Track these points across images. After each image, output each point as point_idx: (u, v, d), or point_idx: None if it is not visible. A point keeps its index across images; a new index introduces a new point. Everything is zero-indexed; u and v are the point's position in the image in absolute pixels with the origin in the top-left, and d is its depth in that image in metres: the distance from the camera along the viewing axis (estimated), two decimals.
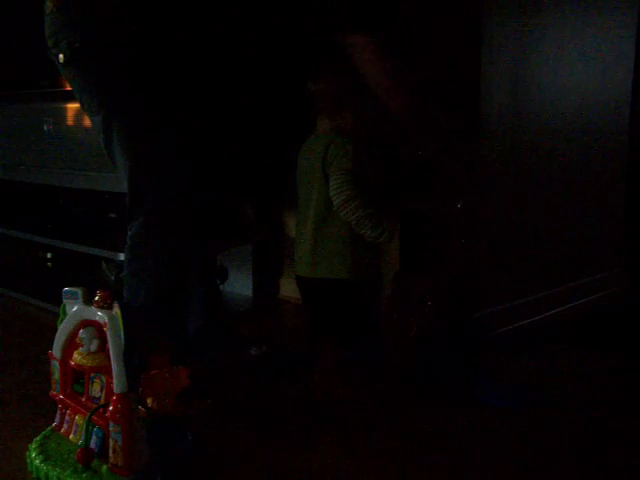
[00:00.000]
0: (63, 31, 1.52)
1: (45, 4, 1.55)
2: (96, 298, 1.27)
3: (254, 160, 2.57)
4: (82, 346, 1.29)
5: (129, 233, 1.61)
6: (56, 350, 1.35)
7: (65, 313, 1.34)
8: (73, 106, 2.30)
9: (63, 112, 2.35)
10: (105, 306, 1.25)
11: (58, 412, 1.37)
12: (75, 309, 1.31)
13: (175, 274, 1.62)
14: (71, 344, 1.33)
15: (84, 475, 1.22)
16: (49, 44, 1.57)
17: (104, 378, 1.26)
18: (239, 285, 2.66)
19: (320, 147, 1.76)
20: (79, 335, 1.30)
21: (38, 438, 1.35)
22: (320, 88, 1.78)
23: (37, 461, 1.27)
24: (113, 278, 2.68)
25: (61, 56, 1.55)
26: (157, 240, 1.58)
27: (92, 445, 1.25)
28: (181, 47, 1.52)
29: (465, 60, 2.02)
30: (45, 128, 2.45)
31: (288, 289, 2.67)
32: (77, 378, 1.34)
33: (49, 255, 3.07)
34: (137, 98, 1.53)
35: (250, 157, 2.52)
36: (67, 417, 1.35)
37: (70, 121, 2.34)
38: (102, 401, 1.26)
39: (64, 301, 1.34)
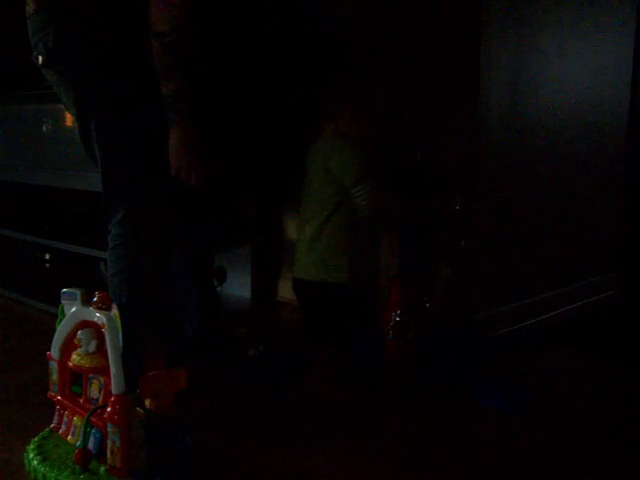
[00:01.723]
0: (40, 32, 1.53)
1: (26, 7, 1.56)
2: (94, 299, 1.27)
3: (254, 161, 2.57)
4: (80, 347, 1.29)
5: (109, 236, 1.61)
6: (54, 351, 1.35)
7: (63, 314, 1.34)
8: None
9: (62, 113, 2.34)
10: (103, 307, 1.26)
11: (56, 413, 1.37)
12: (73, 310, 1.31)
13: (155, 272, 1.62)
14: (69, 345, 1.32)
15: (82, 476, 1.22)
16: (32, 46, 1.58)
17: (102, 379, 1.26)
18: (237, 287, 2.66)
19: (322, 151, 1.76)
20: (77, 336, 1.29)
21: (36, 439, 1.35)
22: (324, 92, 1.79)
23: (35, 462, 1.27)
24: None
25: (40, 58, 1.55)
26: (132, 239, 1.57)
27: (90, 446, 1.25)
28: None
29: (464, 61, 2.03)
30: (44, 129, 2.46)
31: (287, 291, 2.67)
32: (75, 379, 1.34)
33: (47, 256, 3.06)
34: (109, 97, 1.53)
35: (250, 157, 2.52)
36: (65, 418, 1.35)
37: (69, 122, 2.34)
38: (100, 402, 1.26)
39: (62, 302, 1.34)
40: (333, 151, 1.75)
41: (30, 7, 1.54)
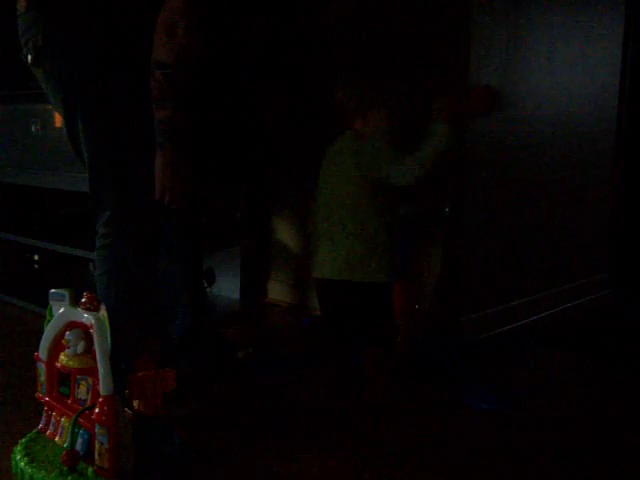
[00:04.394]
0: (30, 31, 1.53)
1: (17, 5, 1.56)
2: (83, 300, 1.27)
3: (243, 161, 2.57)
4: (68, 348, 1.28)
5: (96, 236, 1.61)
6: (42, 352, 1.34)
7: (52, 315, 1.33)
8: None
9: (50, 113, 2.34)
10: (92, 308, 1.25)
11: (44, 414, 1.37)
12: (62, 311, 1.30)
13: (142, 272, 1.61)
14: (57, 346, 1.32)
15: (69, 478, 1.21)
16: (22, 45, 1.57)
17: (90, 380, 1.26)
18: (227, 288, 2.66)
19: (359, 148, 1.74)
20: (65, 337, 1.29)
21: (23, 440, 1.34)
22: (349, 92, 1.78)
23: (22, 463, 1.26)
24: None
25: (29, 56, 1.55)
26: (119, 239, 1.57)
27: (78, 447, 1.24)
28: (146, 46, 1.52)
29: (453, 64, 2.03)
30: (32, 129, 2.45)
31: (276, 292, 2.67)
32: (63, 380, 1.34)
33: (36, 257, 3.05)
34: (97, 97, 1.53)
35: (239, 157, 2.52)
36: (53, 419, 1.34)
37: (57, 122, 2.33)
38: (88, 403, 1.25)
39: (51, 303, 1.33)
40: (366, 150, 1.73)
41: (21, 6, 1.54)
